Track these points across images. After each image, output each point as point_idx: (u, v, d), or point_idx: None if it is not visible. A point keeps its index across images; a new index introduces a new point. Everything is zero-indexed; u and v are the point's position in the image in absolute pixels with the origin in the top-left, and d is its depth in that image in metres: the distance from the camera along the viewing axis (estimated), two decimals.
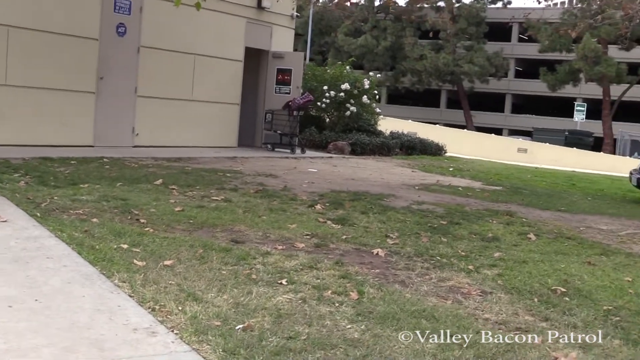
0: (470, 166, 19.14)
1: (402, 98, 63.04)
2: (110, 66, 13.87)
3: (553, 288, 5.91)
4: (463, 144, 26.93)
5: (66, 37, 13.15)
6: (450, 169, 17.19)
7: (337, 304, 5.03)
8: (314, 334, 4.41)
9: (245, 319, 4.53)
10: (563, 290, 5.87)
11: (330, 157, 17.02)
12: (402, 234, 7.59)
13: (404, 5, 54.62)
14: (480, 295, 5.62)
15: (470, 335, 4.64)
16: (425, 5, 55.04)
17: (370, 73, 22.09)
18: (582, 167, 24.22)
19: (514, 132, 52.68)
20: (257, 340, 4.20)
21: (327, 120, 19.84)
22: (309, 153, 17.13)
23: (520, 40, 59.69)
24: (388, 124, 23.83)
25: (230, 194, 9.19)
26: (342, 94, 18.95)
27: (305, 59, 36.09)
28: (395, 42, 54.18)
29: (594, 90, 51.82)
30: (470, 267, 6.37)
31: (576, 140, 34.88)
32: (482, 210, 10.00)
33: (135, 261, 5.51)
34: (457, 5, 54.02)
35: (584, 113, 40.93)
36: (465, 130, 35.97)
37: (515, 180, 16.71)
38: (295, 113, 16.65)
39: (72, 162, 11.04)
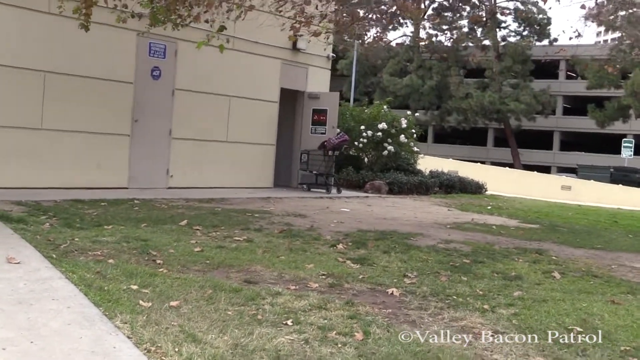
0: (510, 204, 18.86)
1: (449, 137, 62.84)
2: (145, 109, 14.08)
3: (569, 327, 5.73)
4: (505, 182, 26.61)
5: (101, 81, 13.42)
6: (489, 207, 16.97)
7: (340, 345, 4.94)
8: None
9: None
10: (580, 330, 5.68)
11: (367, 196, 16.95)
12: (421, 273, 7.46)
13: (449, 45, 54.63)
14: (492, 336, 5.47)
15: None
16: (470, 45, 54.99)
17: (408, 112, 21.95)
18: (629, 204, 23.68)
19: (562, 170, 51.97)
20: None
21: (366, 160, 19.80)
22: (345, 193, 17.08)
23: (568, 77, 59.16)
24: (428, 163, 23.73)
25: (253, 234, 9.18)
26: (379, 133, 18.92)
27: (350, 99, 36.30)
28: (440, 81, 54.12)
29: None
30: (486, 306, 6.22)
31: (622, 176, 34.19)
32: (511, 249, 9.81)
33: (141, 302, 5.49)
34: (502, 43, 53.81)
35: (632, 149, 40.18)
36: (507, 168, 35.53)
37: (555, 218, 16.41)
38: (330, 153, 16.66)
39: (103, 203, 11.17)
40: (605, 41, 57.95)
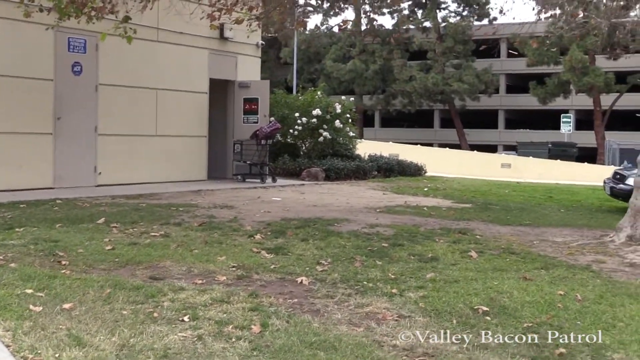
0: (448, 185, 18.89)
1: (396, 120, 62.95)
2: (67, 106, 13.73)
3: (475, 307, 5.67)
4: (446, 163, 26.71)
5: (18, 79, 13.05)
6: (425, 189, 16.96)
7: (234, 340, 4.80)
8: None
9: None
10: (485, 309, 5.63)
11: (302, 184, 16.81)
12: (335, 259, 7.35)
13: (390, 28, 54.64)
14: (395, 320, 5.38)
15: None
16: (412, 27, 55.09)
17: (342, 97, 21.82)
18: (568, 179, 23.93)
19: (508, 148, 52.40)
20: None
21: (303, 147, 19.64)
22: (281, 181, 16.92)
23: (510, 55, 59.59)
24: (369, 148, 23.65)
25: (172, 229, 8.98)
26: (314, 120, 18.78)
27: (293, 88, 36.08)
28: (384, 65, 54.06)
29: (585, 101, 51.58)
30: (395, 290, 6.13)
31: (560, 152, 34.57)
32: (436, 230, 9.76)
33: (31, 306, 5.29)
34: (443, 24, 53.98)
35: (571, 124, 40.69)
36: (447, 149, 35.70)
37: (492, 196, 16.45)
38: (263, 142, 16.48)
39: (22, 205, 10.86)
40: (547, 18, 58.51)
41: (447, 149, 35.33)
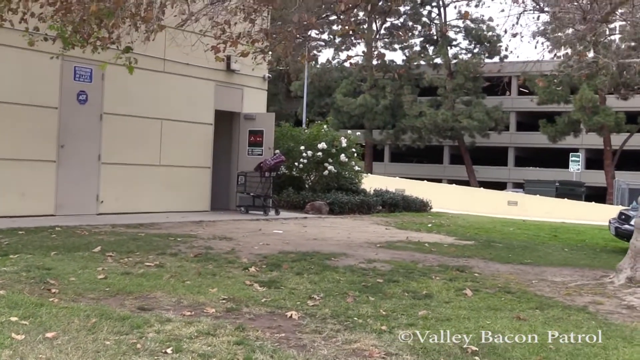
0: (452, 221, 18.79)
1: (406, 155, 62.97)
2: (71, 134, 13.77)
3: (464, 347, 5.57)
4: (452, 199, 26.61)
5: (23, 106, 13.12)
6: (429, 225, 16.87)
7: None
8: None
9: None
10: (475, 349, 5.53)
11: (305, 217, 16.75)
12: (328, 294, 7.27)
13: (401, 63, 54.90)
14: (382, 358, 5.29)
15: None
16: (422, 63, 55.31)
17: (349, 132, 21.82)
18: (575, 218, 23.78)
19: (517, 185, 52.25)
20: None
21: (308, 180, 19.62)
22: (284, 214, 16.87)
23: (520, 93, 59.70)
24: (374, 182, 23.65)
25: (167, 259, 8.93)
26: (319, 153, 18.77)
27: (302, 121, 36.18)
28: (394, 100, 54.22)
29: (595, 140, 51.52)
30: (384, 327, 6.04)
31: (567, 190, 34.41)
32: (434, 267, 9.67)
33: (14, 335, 5.23)
34: (454, 61, 54.18)
35: (579, 163, 40.55)
36: (454, 185, 35.59)
37: (496, 234, 16.35)
38: (267, 174, 16.45)
39: (20, 232, 10.83)
40: (557, 57, 58.61)
41: (454, 185, 35.25)
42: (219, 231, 12.57)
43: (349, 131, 21.99)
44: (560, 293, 8.08)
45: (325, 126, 20.07)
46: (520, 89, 58.87)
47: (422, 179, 41.46)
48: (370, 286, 7.81)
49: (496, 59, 54.59)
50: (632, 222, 13.23)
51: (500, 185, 52.87)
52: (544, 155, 59.43)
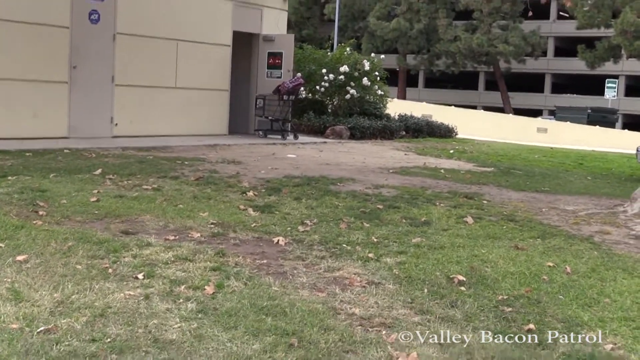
0: (476, 148, 18.39)
1: (440, 81, 61.95)
2: (83, 55, 13.53)
3: (452, 277, 5.33)
4: (481, 125, 26.09)
5: (35, 26, 12.84)
6: (451, 152, 16.49)
7: (182, 300, 4.56)
8: (124, 336, 3.96)
9: (56, 320, 4.09)
10: (462, 279, 5.29)
11: (325, 142, 16.47)
12: (322, 220, 7.04)
13: None
14: (363, 287, 5.08)
15: (311, 334, 4.11)
16: None
17: (372, 54, 21.26)
18: (606, 146, 23.17)
19: (553, 113, 51.21)
20: (50, 344, 3.76)
21: (330, 105, 19.26)
22: (303, 138, 16.61)
23: (560, 17, 57.98)
24: (400, 107, 23.22)
25: (166, 183, 8.75)
26: (341, 77, 18.35)
27: (333, 45, 35.58)
28: (429, 24, 53.01)
29: (636, 66, 50.07)
30: (371, 255, 5.82)
31: (600, 118, 33.50)
32: (443, 193, 9.39)
33: None
34: None
35: (615, 90, 39.43)
36: (482, 111, 34.88)
37: (519, 161, 15.96)
38: (285, 97, 16.13)
39: (27, 154, 10.72)
40: None
41: (482, 111, 34.57)
42: (231, 155, 12.37)
43: (372, 54, 21.32)
44: (568, 222, 7.77)
45: (348, 49, 19.56)
46: (560, 12, 57.16)
47: (456, 106, 40.74)
48: (369, 212, 7.56)
49: None
50: None
51: (535, 113, 51.86)
52: (582, 82, 57.98)
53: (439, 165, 13.22)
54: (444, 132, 20.52)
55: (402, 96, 55.02)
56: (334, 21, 51.80)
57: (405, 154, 15.07)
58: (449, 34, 52.12)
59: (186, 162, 10.82)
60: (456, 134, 21.09)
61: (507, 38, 50.82)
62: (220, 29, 16.07)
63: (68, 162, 10.04)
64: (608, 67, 50.42)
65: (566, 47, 57.75)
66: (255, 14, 16.82)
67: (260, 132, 16.56)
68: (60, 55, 13.23)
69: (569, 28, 54.16)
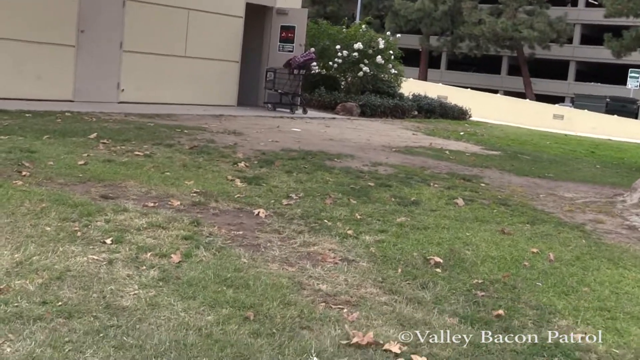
0: (488, 131, 18.15)
1: (463, 64, 61.35)
2: (92, 19, 13.42)
3: (428, 258, 5.20)
4: (496, 109, 25.77)
5: None
6: (461, 133, 16.28)
7: (145, 268, 4.46)
8: (77, 300, 3.87)
9: (11, 280, 4.01)
10: (438, 260, 5.15)
11: (333, 118, 16.31)
12: (308, 194, 6.91)
13: None
14: (335, 263, 4.96)
15: (270, 308, 4.01)
16: None
17: (387, 33, 21.00)
18: (623, 135, 22.83)
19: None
20: None
21: (343, 81, 19.06)
22: (313, 113, 16.45)
23: (588, 4, 57.16)
24: (415, 87, 22.99)
25: (159, 150, 8.65)
26: (355, 53, 18.14)
27: (353, 21, 35.28)
28: (453, 6, 52.48)
29: None
30: (350, 232, 5.69)
31: (619, 107, 33.00)
32: (441, 174, 9.24)
33: None
34: None
35: (638, 80, 38.80)
36: (498, 95, 34.47)
37: (529, 146, 15.75)
38: (296, 72, 15.96)
39: (27, 115, 10.66)
40: None
41: (499, 95, 34.17)
42: (234, 126, 12.25)
43: (397, 34, 21.05)
44: (562, 209, 7.60)
45: (363, 26, 19.33)
46: (589, 0, 56.36)
47: (478, 89, 40.32)
48: (358, 189, 7.43)
49: None
50: None
51: (557, 100, 51.20)
52: (607, 71, 57.19)
53: (446, 146, 13.04)
54: (457, 114, 20.28)
55: (424, 77, 54.58)
56: None
57: (413, 134, 14.89)
58: (474, 16, 51.57)
59: (186, 131, 10.71)
60: (470, 117, 20.84)
61: (532, 23, 50.21)
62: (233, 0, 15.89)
63: (65, 125, 9.96)
64: (634, 56, 49.65)
65: (593, 35, 56.91)
66: None
67: (269, 105, 16.43)
68: (68, 18, 13.13)
69: (596, 16, 53.43)
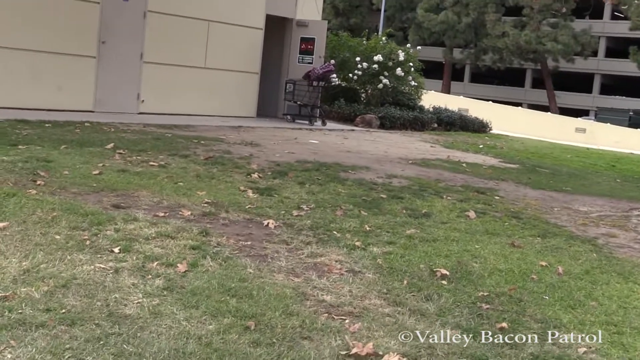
0: (508, 144, 18.09)
1: (486, 77, 61.19)
2: (113, 31, 13.58)
3: (435, 270, 5.19)
4: (518, 122, 25.69)
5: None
6: (481, 146, 16.25)
7: (151, 277, 4.50)
8: (80, 308, 3.90)
9: (17, 288, 4.06)
10: (445, 272, 5.15)
11: (352, 130, 16.35)
12: (319, 206, 6.93)
13: None
14: (341, 275, 4.97)
15: (272, 318, 4.03)
16: None
17: (408, 45, 21.02)
18: None
19: None
20: (2, 311, 3.73)
21: (363, 93, 19.11)
22: (332, 125, 16.50)
23: (613, 17, 56.81)
24: (436, 100, 22.99)
25: (175, 160, 8.71)
26: (375, 65, 18.18)
27: (378, 34, 35.37)
28: (477, 19, 52.40)
29: None
30: (358, 243, 5.70)
31: None
32: (456, 186, 9.22)
33: None
34: None
35: None
36: (520, 108, 34.30)
37: (549, 159, 15.67)
38: (315, 83, 16.03)
39: (47, 125, 10.80)
40: None
41: (520, 108, 34.03)
42: (252, 137, 12.31)
43: (408, 45, 21.07)
44: (576, 223, 7.56)
45: (384, 38, 19.38)
46: (615, 12, 56.02)
47: (502, 102, 40.20)
48: (370, 201, 7.44)
49: None
50: None
51: (582, 113, 50.97)
52: (632, 84, 56.74)
53: (463, 159, 13.01)
54: (478, 127, 20.24)
55: (447, 90, 54.51)
56: (385, 11, 51.51)
57: (432, 146, 14.87)
58: (497, 29, 51.44)
59: (203, 142, 10.78)
60: (490, 129, 20.80)
61: (556, 36, 50.01)
62: (253, 11, 16.01)
63: (84, 135, 10.07)
64: None
65: (618, 48, 56.59)
66: None
67: (289, 117, 16.50)
68: (90, 30, 13.30)
69: (621, 28, 53.12)
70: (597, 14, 56.14)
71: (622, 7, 47.37)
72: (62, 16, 12.92)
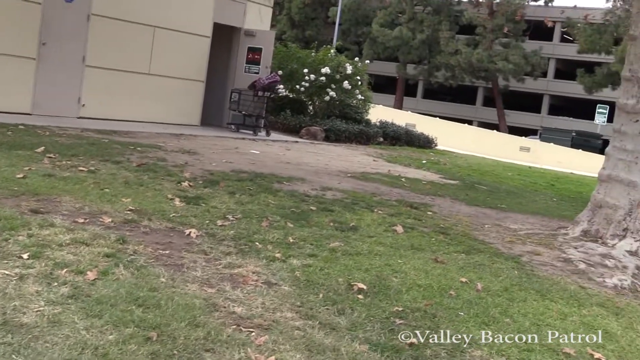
0: (451, 161, 18.23)
1: (439, 93, 61.82)
2: (55, 32, 13.35)
3: (352, 284, 5.16)
4: (464, 139, 25.95)
5: None
6: (424, 162, 16.33)
7: (57, 284, 4.38)
8: None
9: None
10: (362, 287, 5.12)
11: (296, 141, 16.31)
12: (246, 216, 6.86)
13: None
14: (257, 286, 4.91)
15: (176, 329, 3.94)
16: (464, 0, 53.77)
17: (356, 58, 21.09)
18: (587, 170, 23.00)
19: None
20: None
21: (311, 105, 19.11)
22: (276, 136, 16.45)
23: (563, 40, 57.86)
24: (383, 114, 23.06)
25: (106, 166, 8.56)
26: (322, 78, 18.19)
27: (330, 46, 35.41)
28: (431, 35, 52.97)
29: None
30: (279, 255, 5.64)
31: (583, 142, 33.44)
32: (390, 201, 9.23)
33: None
34: (496, 0, 52.49)
35: (605, 116, 39.31)
36: (465, 125, 34.72)
37: (490, 177, 15.82)
38: (260, 93, 15.97)
39: None
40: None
41: (467, 125, 34.43)
42: (191, 145, 12.19)
43: (357, 58, 21.13)
44: (503, 240, 7.61)
45: (332, 51, 19.42)
46: (564, 35, 57.05)
47: (453, 119, 40.59)
48: (299, 213, 7.39)
49: (540, 1, 52.77)
50: None
51: (531, 132, 51.68)
52: (579, 106, 57.82)
53: (404, 174, 13.06)
54: (423, 142, 20.38)
55: (399, 105, 54.94)
56: (340, 24, 51.74)
57: (374, 160, 14.90)
58: (451, 47, 52.05)
59: (139, 148, 10.64)
60: (435, 145, 20.95)
61: (507, 56, 50.77)
62: (201, 19, 15.90)
63: (15, 138, 9.86)
64: (605, 93, 50.26)
65: (566, 70, 57.65)
66: (239, 8, 16.66)
67: (233, 126, 16.41)
68: (30, 30, 13.04)
69: (570, 51, 54.09)
70: (548, 36, 57.09)
71: (571, 30, 48.28)
72: (2, 15, 12.65)
